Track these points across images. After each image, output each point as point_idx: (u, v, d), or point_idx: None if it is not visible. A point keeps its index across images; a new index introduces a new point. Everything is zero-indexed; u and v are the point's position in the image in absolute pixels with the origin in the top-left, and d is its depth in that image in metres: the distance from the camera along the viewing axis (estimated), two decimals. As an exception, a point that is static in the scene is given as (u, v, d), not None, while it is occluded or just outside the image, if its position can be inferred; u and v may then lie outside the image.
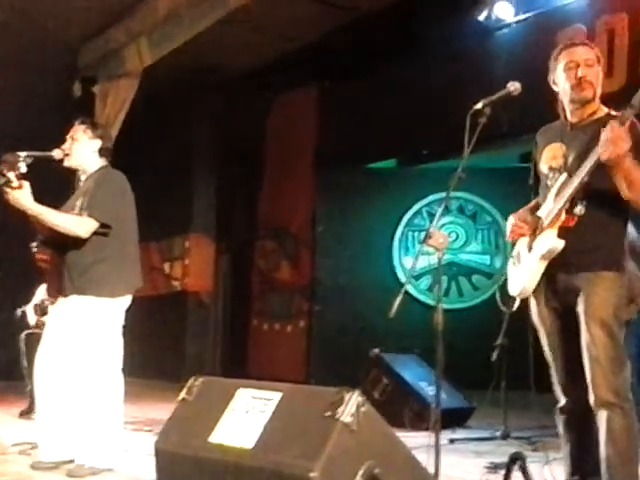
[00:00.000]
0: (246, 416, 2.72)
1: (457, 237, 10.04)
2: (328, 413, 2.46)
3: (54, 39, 9.90)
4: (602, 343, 3.01)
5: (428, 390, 6.19)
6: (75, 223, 4.11)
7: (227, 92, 10.88)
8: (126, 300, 4.25)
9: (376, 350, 6.53)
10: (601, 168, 3.01)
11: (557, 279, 3.18)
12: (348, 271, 10.15)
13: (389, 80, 9.45)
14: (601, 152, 2.93)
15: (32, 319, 6.92)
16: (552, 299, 3.22)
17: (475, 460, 4.71)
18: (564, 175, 3.17)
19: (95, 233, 4.12)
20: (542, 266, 3.15)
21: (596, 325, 3.03)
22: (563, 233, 3.13)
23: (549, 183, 3.25)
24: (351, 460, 2.42)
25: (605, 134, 2.93)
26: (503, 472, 3.34)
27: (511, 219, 3.39)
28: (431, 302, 9.90)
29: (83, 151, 4.33)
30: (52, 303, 6.80)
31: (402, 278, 10.09)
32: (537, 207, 3.36)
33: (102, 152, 4.36)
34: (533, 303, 3.31)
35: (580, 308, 3.10)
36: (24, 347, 6.71)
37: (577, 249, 3.10)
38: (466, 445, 5.09)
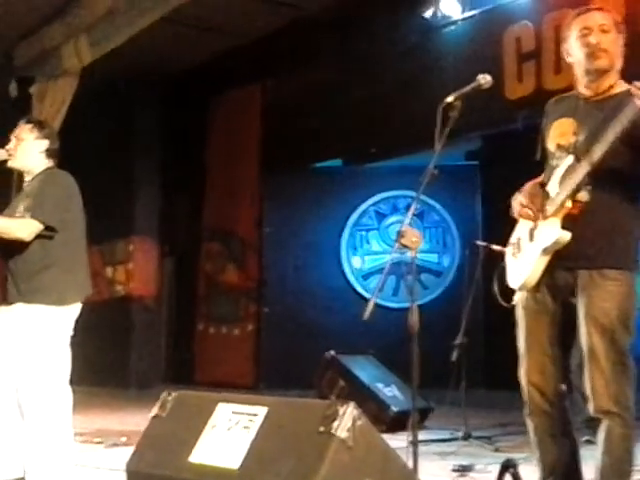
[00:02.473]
0: (229, 433, 2.51)
1: (405, 236, 9.98)
2: (322, 428, 2.27)
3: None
4: (603, 350, 2.81)
5: (385, 391, 6.10)
6: (17, 226, 3.87)
7: (169, 91, 10.67)
8: (75, 308, 4.02)
9: (331, 352, 6.41)
10: (614, 147, 2.73)
11: (555, 274, 2.93)
12: (296, 272, 10.02)
13: (335, 78, 9.35)
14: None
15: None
16: (546, 294, 2.97)
17: (440, 462, 4.62)
18: (571, 157, 2.89)
19: (41, 237, 3.88)
20: (545, 260, 2.90)
21: (596, 331, 2.81)
22: (567, 222, 2.84)
23: (554, 163, 2.98)
24: (348, 478, 2.24)
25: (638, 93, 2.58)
26: (474, 475, 3.23)
27: (520, 197, 3.04)
28: (381, 302, 9.83)
29: (29, 152, 4.10)
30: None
31: (351, 278, 10.00)
32: (544, 187, 3.05)
33: (49, 153, 4.12)
34: (521, 297, 3.06)
35: (580, 309, 2.88)
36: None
37: (581, 241, 2.84)
38: (428, 447, 4.99)
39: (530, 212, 3.01)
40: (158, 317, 11.12)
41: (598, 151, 2.77)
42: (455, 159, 9.95)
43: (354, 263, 10.06)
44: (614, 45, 2.96)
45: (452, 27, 8.22)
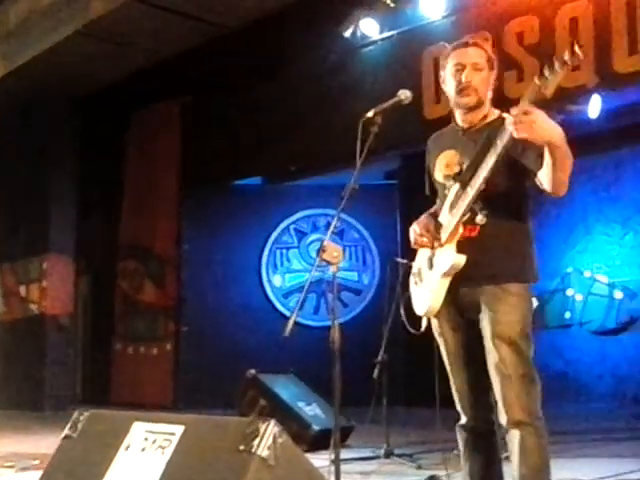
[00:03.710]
0: (144, 454, 2.39)
1: (325, 254, 10.00)
2: (242, 447, 2.18)
3: None
4: (512, 362, 2.88)
5: (307, 410, 6.05)
6: None
7: (86, 106, 10.46)
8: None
9: (252, 371, 6.32)
10: (498, 169, 2.87)
11: (460, 294, 3.01)
12: (216, 290, 9.94)
13: (255, 96, 9.37)
14: (516, 129, 2.69)
15: None
16: (455, 314, 3.07)
17: (362, 482, 4.59)
18: (457, 185, 3.03)
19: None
20: (445, 283, 3.00)
21: (504, 344, 2.90)
22: (463, 245, 2.96)
23: (446, 192, 3.10)
24: (270, 498, 2.16)
25: (509, 120, 2.73)
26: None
27: (415, 227, 3.16)
28: (302, 320, 9.81)
29: None
30: None
31: (271, 296, 9.96)
32: (437, 214, 3.18)
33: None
34: (434, 320, 3.14)
35: (485, 325, 2.96)
36: None
37: (480, 261, 2.94)
38: (350, 465, 4.95)
39: (426, 240, 3.12)
40: (73, 337, 10.84)
41: (480, 177, 2.90)
42: (374, 178, 10.04)
43: (274, 281, 10.03)
44: (484, 83, 3.07)
45: (371, 47, 8.30)
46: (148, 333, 10.22)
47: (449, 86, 3.10)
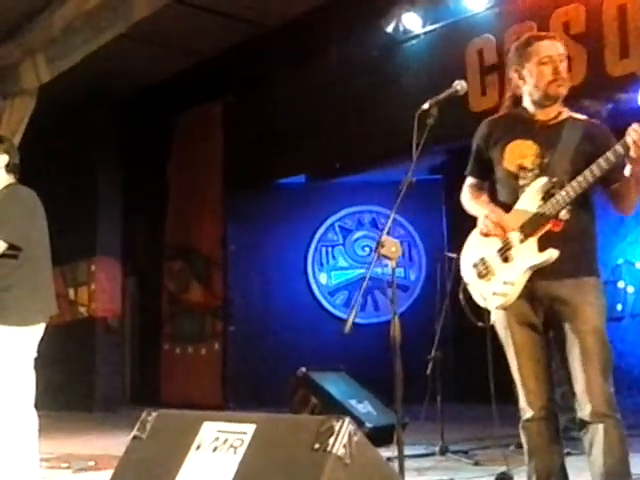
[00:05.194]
0: (216, 454, 2.35)
1: (371, 251, 9.94)
2: (317, 445, 2.14)
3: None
4: (599, 353, 2.91)
5: (359, 407, 6.00)
6: None
7: (130, 108, 10.53)
8: (39, 329, 3.87)
9: (303, 369, 6.29)
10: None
11: (536, 287, 3.01)
12: (262, 290, 9.93)
13: (296, 94, 9.31)
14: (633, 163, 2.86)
15: None
16: (526, 307, 3.05)
17: (419, 478, 4.54)
18: (544, 179, 3.02)
19: (4, 256, 3.74)
20: (527, 277, 3.01)
21: (592, 335, 2.92)
22: (545, 239, 2.99)
23: (520, 183, 3.08)
24: (346, 497, 2.12)
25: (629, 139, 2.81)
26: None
27: (491, 215, 3.12)
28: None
29: (-13, 167, 3.95)
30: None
31: (317, 294, 9.93)
32: (505, 206, 3.14)
33: (9, 168, 3.97)
34: (500, 313, 3.12)
35: (569, 317, 2.96)
36: None
37: (563, 255, 2.96)
38: (406, 462, 4.88)
39: (500, 231, 3.10)
40: (122, 338, 10.93)
41: (584, 182, 2.94)
42: (419, 173, 9.92)
43: (320, 279, 9.99)
44: (568, 75, 3.15)
45: (414, 41, 8.22)
46: (196, 333, 10.24)
47: (534, 78, 3.10)
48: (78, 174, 10.74)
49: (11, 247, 3.74)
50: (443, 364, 5.64)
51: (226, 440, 2.36)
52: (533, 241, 3.00)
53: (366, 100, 8.55)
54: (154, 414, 2.61)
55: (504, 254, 3.08)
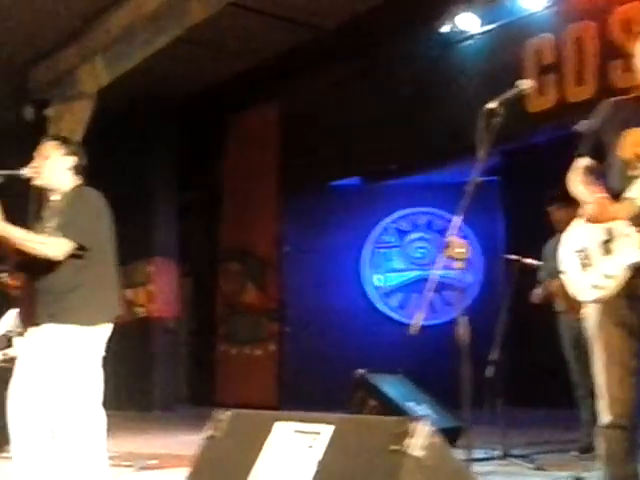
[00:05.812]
0: (291, 454, 2.36)
1: (426, 253, 9.91)
2: (394, 447, 2.12)
3: (2, 62, 9.55)
4: None
5: (418, 410, 5.96)
6: (50, 244, 3.75)
7: (186, 111, 10.62)
8: (106, 329, 3.91)
9: (361, 371, 6.27)
10: None
11: (635, 285, 2.88)
12: (317, 291, 9.95)
13: (351, 95, 9.31)
14: None
15: (-5, 352, 6.52)
16: (622, 307, 2.93)
17: (481, 483, 4.49)
18: None
19: (71, 256, 3.78)
20: (629, 273, 2.87)
21: None
22: None
23: (631, 173, 2.95)
24: (425, 499, 2.09)
25: None
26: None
27: (604, 202, 2.97)
28: (404, 320, 9.73)
29: (55, 169, 3.98)
30: (19, 334, 6.46)
31: (372, 296, 9.91)
32: (614, 194, 3.00)
33: (76, 170, 4.01)
34: (596, 309, 3.00)
35: None
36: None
37: None
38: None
39: (608, 219, 2.96)
40: (179, 339, 11.03)
41: None
42: (474, 175, 9.86)
43: (375, 281, 9.96)
44: None
45: (470, 41, 8.16)
46: (251, 335, 10.29)
47: None
48: (135, 176, 10.85)
49: (78, 248, 3.78)
50: (504, 367, 5.58)
51: (302, 440, 2.35)
52: (639, 236, 2.85)
53: (421, 101, 8.51)
54: (228, 413, 2.62)
55: (607, 245, 2.95)
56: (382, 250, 10.03)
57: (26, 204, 8.72)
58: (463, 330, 2.95)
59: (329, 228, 9.98)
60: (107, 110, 9.32)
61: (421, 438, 2.12)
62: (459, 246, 2.93)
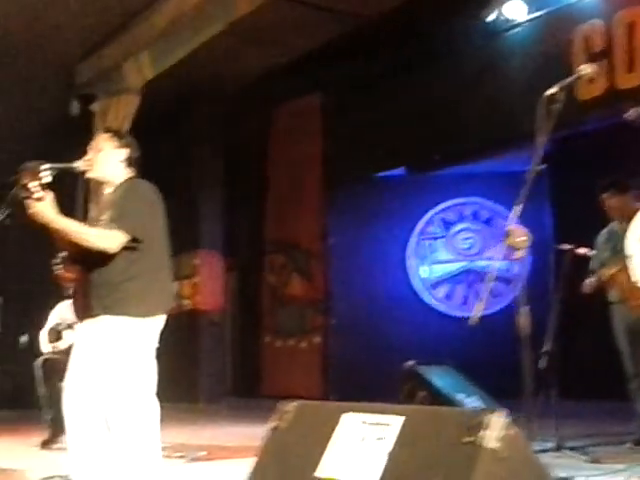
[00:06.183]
0: (361, 446, 2.31)
1: (473, 244, 9.81)
2: (467, 439, 2.08)
3: (49, 58, 9.65)
4: None
5: (467, 402, 5.89)
6: (104, 237, 3.76)
7: (229, 103, 10.64)
8: (159, 320, 3.91)
9: (410, 362, 6.21)
10: None
11: None
12: (363, 283, 9.89)
13: (395, 86, 9.25)
14: None
15: (45, 345, 6.59)
16: None
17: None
18: None
19: (125, 248, 3.78)
20: None
21: None
22: None
23: None
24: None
25: None
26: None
27: None
28: (450, 312, 9.65)
29: (108, 161, 3.98)
30: (69, 327, 6.53)
31: (418, 288, 9.84)
32: None
33: (129, 162, 4.02)
34: None
35: None
36: (41, 374, 6.36)
37: None
38: (520, 459, 4.77)
39: None
40: (224, 331, 11.07)
41: None
42: (522, 164, 9.72)
43: (421, 272, 9.89)
44: None
45: (517, 29, 8.06)
46: (297, 327, 10.29)
47: None
48: (181, 169, 10.91)
49: (132, 240, 3.79)
50: (555, 359, 5.50)
51: (371, 432, 2.31)
52: None
53: (466, 90, 8.43)
54: (293, 405, 2.58)
55: None
56: (428, 241, 9.95)
57: (73, 198, 8.81)
58: (524, 320, 2.89)
59: (374, 219, 9.92)
60: (152, 104, 9.38)
61: (496, 430, 2.07)
62: (520, 235, 2.88)
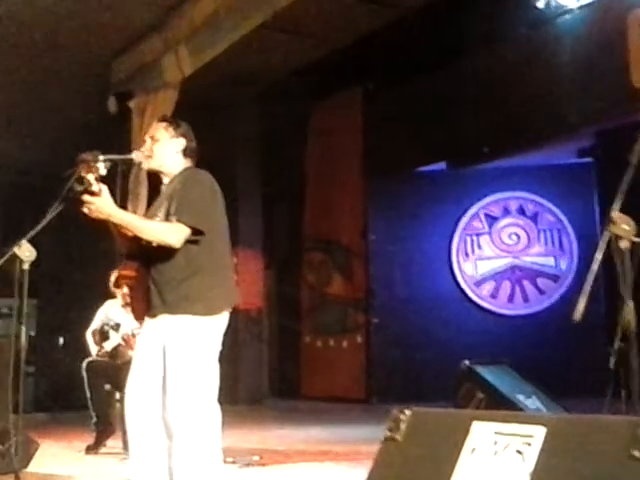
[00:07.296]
0: (496, 460, 2.03)
1: (518, 239, 9.57)
2: (637, 452, 1.77)
3: (86, 55, 9.54)
4: None
5: (527, 403, 5.67)
6: (166, 230, 3.55)
7: (269, 97, 10.47)
8: (224, 318, 3.69)
9: (467, 362, 5.98)
10: None
11: None
12: (405, 281, 9.69)
13: (437, 78, 9.03)
14: None
15: (92, 346, 6.43)
16: None
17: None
18: None
19: (187, 242, 3.58)
20: None
21: None
22: None
23: None
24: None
25: None
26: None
27: None
28: (496, 310, 9.43)
29: (165, 152, 3.79)
30: (114, 327, 6.38)
31: (462, 285, 9.61)
32: None
33: (186, 152, 3.83)
34: None
35: None
36: (86, 376, 6.21)
37: None
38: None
39: None
40: (263, 330, 10.90)
41: None
42: (567, 157, 9.50)
43: (466, 269, 9.66)
44: None
45: (568, 16, 7.81)
46: (337, 326, 10.08)
47: None
48: (219, 165, 10.67)
49: (194, 232, 3.59)
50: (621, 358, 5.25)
51: (508, 444, 1.99)
52: None
53: (513, 80, 8.20)
54: (408, 412, 2.28)
55: None
56: (472, 237, 9.71)
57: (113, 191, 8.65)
58: (631, 316, 2.67)
59: (416, 215, 9.70)
60: (191, 100, 9.21)
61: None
62: (624, 222, 2.65)
